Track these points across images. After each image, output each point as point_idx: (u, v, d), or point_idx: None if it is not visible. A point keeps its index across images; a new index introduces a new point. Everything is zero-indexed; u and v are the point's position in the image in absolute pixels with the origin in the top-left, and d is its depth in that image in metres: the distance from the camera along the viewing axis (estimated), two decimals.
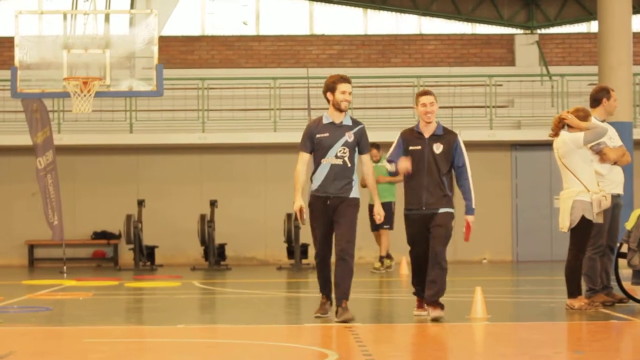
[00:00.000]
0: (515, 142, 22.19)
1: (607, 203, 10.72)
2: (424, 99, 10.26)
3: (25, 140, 19.54)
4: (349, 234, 10.07)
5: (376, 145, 17.80)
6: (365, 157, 10.33)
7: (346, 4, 25.28)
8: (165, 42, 22.60)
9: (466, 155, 10.25)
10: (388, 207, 17.68)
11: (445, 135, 10.30)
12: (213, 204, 20.25)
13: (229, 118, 22.38)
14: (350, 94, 10.19)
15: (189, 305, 12.97)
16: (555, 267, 18.25)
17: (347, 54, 24.87)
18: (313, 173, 10.20)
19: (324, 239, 10.16)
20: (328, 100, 10.23)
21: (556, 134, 10.80)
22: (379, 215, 10.22)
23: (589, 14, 25.01)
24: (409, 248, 10.29)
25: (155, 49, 15.77)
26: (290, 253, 20.14)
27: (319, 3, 25.22)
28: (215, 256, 20.17)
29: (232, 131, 21.95)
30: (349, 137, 10.15)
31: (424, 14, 25.45)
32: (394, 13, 25.39)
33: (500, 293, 13.88)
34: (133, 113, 22.00)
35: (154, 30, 15.88)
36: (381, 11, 25.36)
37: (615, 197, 11.09)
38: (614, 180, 11.18)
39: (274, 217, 21.40)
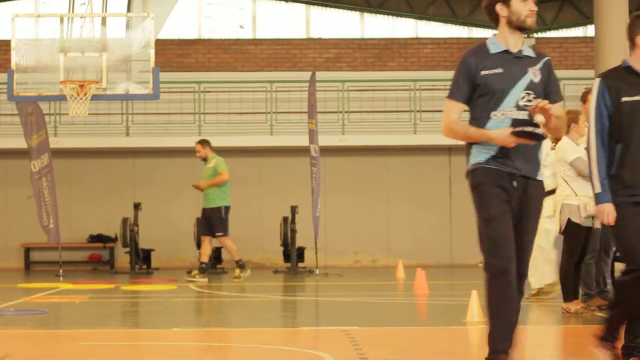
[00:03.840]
0: None
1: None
2: None
3: (21, 143, 19.53)
4: (532, 244, 6.39)
5: (205, 141, 17.54)
6: (559, 109, 6.22)
7: (343, 8, 25.28)
8: (162, 46, 22.58)
9: None
10: (218, 212, 17.35)
11: None
12: None
13: (225, 121, 22.38)
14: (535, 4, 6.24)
15: (185, 309, 12.97)
16: None
17: (344, 58, 24.87)
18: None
19: (506, 239, 6.13)
20: (495, 20, 6.28)
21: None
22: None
23: (586, 18, 25.02)
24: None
25: (152, 52, 15.79)
26: (287, 256, 20.13)
27: (315, 7, 25.22)
28: (211, 259, 20.14)
29: (229, 134, 21.94)
30: (534, 74, 6.16)
31: (421, 18, 25.45)
32: (390, 17, 25.38)
33: None
34: (129, 116, 22.00)
35: (151, 34, 15.89)
36: (378, 15, 25.37)
37: None
38: None
39: (270, 221, 21.40)
